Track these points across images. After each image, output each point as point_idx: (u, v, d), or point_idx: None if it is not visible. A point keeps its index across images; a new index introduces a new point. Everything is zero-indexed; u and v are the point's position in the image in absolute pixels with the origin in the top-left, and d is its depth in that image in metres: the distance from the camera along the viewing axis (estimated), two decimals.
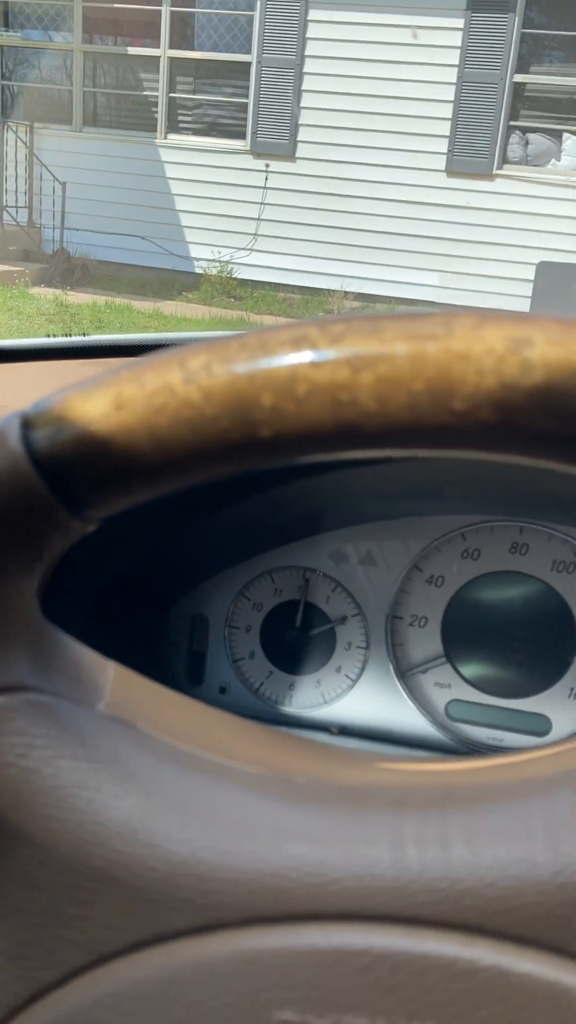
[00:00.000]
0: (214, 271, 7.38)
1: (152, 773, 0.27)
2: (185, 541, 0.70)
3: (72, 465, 0.25)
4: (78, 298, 6.71)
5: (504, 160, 6.90)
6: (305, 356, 0.23)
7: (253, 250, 7.44)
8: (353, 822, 0.26)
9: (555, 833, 0.24)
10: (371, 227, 7.05)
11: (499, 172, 6.87)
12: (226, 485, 0.63)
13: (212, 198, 7.53)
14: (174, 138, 7.68)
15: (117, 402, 0.24)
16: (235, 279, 7.35)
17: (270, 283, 7.31)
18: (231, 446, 0.24)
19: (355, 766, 0.31)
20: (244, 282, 7.34)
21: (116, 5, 7.66)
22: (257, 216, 7.42)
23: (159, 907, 0.25)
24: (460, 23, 6.63)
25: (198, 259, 7.59)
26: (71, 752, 0.27)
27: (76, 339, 0.81)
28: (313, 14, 6.93)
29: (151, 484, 0.25)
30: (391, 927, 0.24)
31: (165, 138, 7.68)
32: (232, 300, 7.17)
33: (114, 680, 0.31)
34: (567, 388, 0.22)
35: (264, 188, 7.38)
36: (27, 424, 0.25)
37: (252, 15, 7.16)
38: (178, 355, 0.25)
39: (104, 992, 0.25)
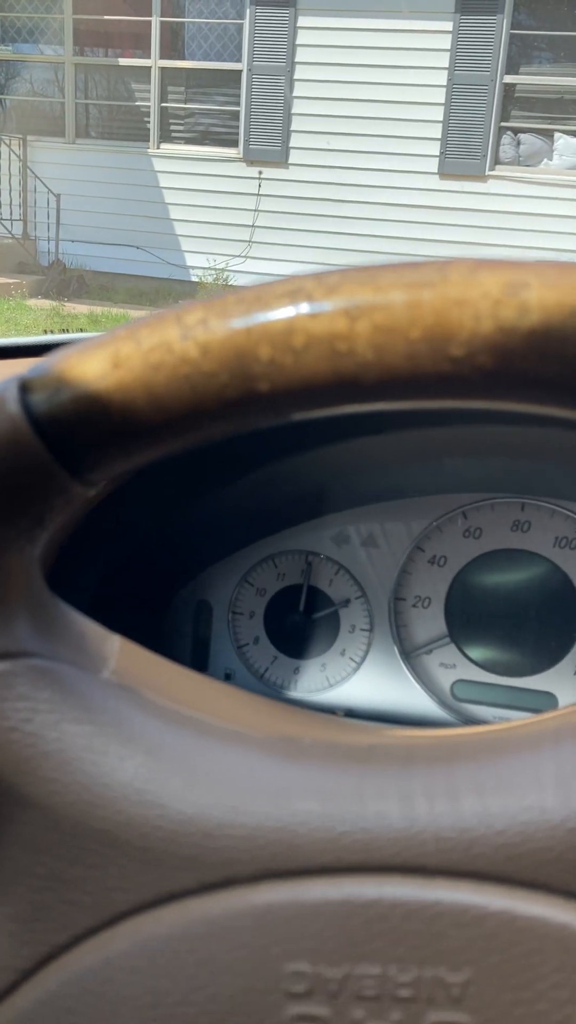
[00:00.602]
0: (210, 279, 7.40)
1: (157, 735, 0.27)
2: (187, 525, 0.70)
3: (71, 426, 0.25)
4: (75, 309, 6.73)
5: (496, 161, 6.92)
6: (302, 307, 0.23)
7: (248, 257, 7.46)
8: (361, 777, 0.26)
9: (565, 780, 0.24)
10: (365, 231, 7.06)
11: (492, 173, 6.89)
12: (226, 461, 0.63)
13: (206, 206, 7.55)
14: (167, 147, 7.70)
15: (114, 361, 0.24)
16: (231, 286, 7.37)
17: None
18: (230, 402, 0.24)
19: (361, 732, 0.31)
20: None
21: (106, 17, 7.69)
22: (252, 223, 7.44)
23: (167, 866, 0.25)
24: (449, 26, 6.66)
25: (194, 267, 7.61)
26: (75, 716, 0.27)
27: (71, 335, 0.82)
28: (302, 21, 6.96)
29: (150, 443, 0.25)
30: (401, 877, 0.24)
31: (158, 148, 7.70)
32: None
33: (119, 651, 0.31)
34: (564, 330, 0.22)
35: (258, 195, 7.40)
36: (25, 387, 0.25)
37: (242, 23, 7.19)
38: (174, 312, 0.25)
39: (114, 952, 0.25)
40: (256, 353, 0.23)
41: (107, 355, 0.25)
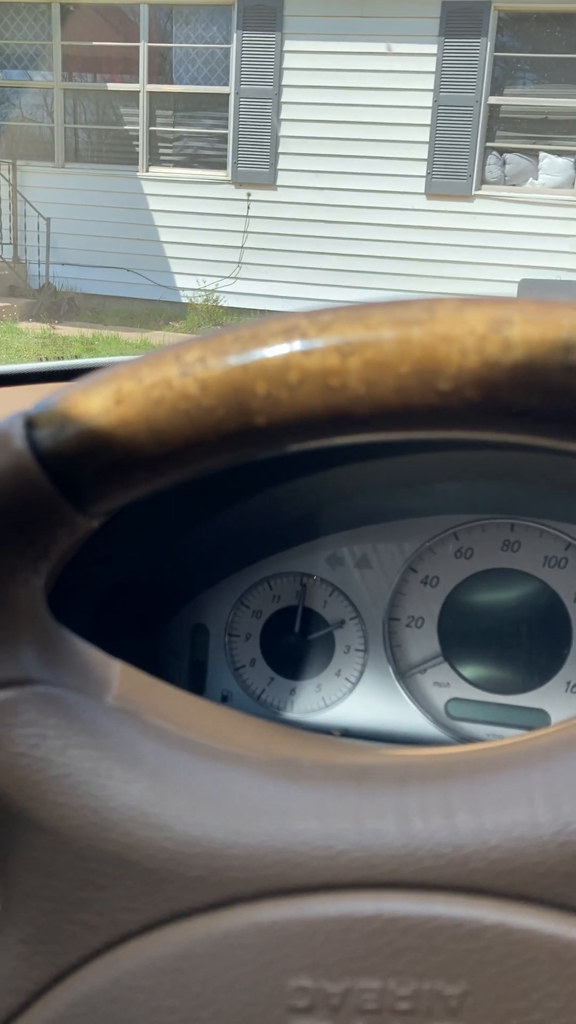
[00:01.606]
0: (200, 300, 7.43)
1: (161, 759, 0.28)
2: (183, 550, 0.70)
3: (75, 460, 0.26)
4: (66, 331, 6.75)
5: (483, 180, 6.98)
6: (296, 345, 0.24)
7: (238, 278, 7.50)
8: (358, 797, 0.26)
9: (555, 795, 0.25)
10: (354, 251, 7.11)
11: (478, 192, 6.95)
12: (221, 488, 0.64)
13: (196, 228, 7.59)
14: (156, 171, 7.75)
15: (116, 397, 0.25)
16: (221, 307, 7.40)
17: (256, 310, 7.35)
18: (228, 435, 0.25)
19: (357, 752, 0.32)
20: (230, 310, 7.39)
21: (94, 43, 7.76)
22: (241, 244, 7.48)
23: (173, 886, 0.26)
24: (434, 49, 6.73)
25: (184, 289, 7.64)
26: (81, 741, 0.27)
27: (66, 362, 0.83)
28: (289, 45, 7.03)
29: (152, 476, 0.26)
30: (399, 893, 0.24)
31: (147, 171, 7.75)
32: (219, 328, 7.21)
33: (121, 676, 0.32)
34: (546, 364, 0.23)
35: (247, 217, 7.45)
36: (30, 423, 0.26)
37: (229, 48, 7.26)
38: (173, 350, 0.26)
39: (122, 971, 0.25)
40: (253, 388, 0.24)
41: (110, 392, 0.25)
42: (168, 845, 0.26)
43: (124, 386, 0.25)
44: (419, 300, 0.25)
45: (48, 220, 7.67)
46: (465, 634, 0.73)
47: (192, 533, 0.68)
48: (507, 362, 0.23)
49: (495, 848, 0.24)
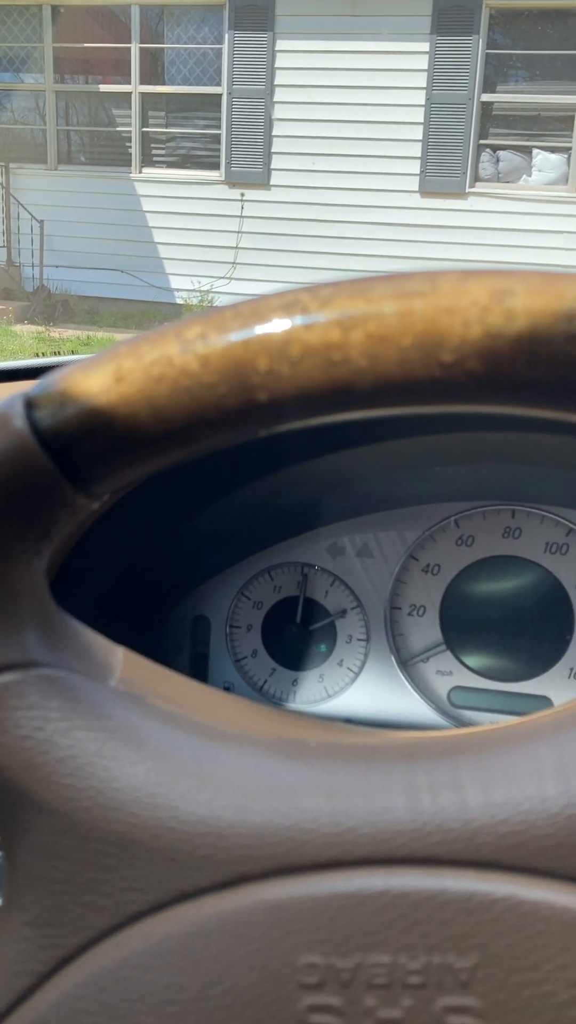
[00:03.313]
0: (195, 301, 7.43)
1: (166, 740, 0.27)
2: (183, 540, 0.70)
3: (76, 439, 0.26)
4: (61, 333, 6.75)
5: (476, 178, 6.99)
6: (297, 319, 0.24)
7: (232, 278, 7.50)
8: (367, 774, 0.26)
9: (564, 768, 0.25)
10: (348, 250, 7.11)
11: (472, 190, 6.96)
12: (221, 474, 0.63)
13: (189, 229, 7.59)
14: (149, 172, 7.75)
15: (117, 375, 0.25)
16: (216, 307, 7.40)
17: None
18: (229, 412, 0.25)
19: (364, 734, 0.32)
20: None
21: (86, 45, 7.76)
22: (235, 245, 7.49)
23: (181, 866, 0.25)
24: (426, 47, 6.74)
25: (178, 289, 7.65)
26: (86, 723, 0.27)
27: (62, 358, 0.83)
28: (281, 44, 7.03)
29: (153, 454, 0.26)
30: (409, 868, 0.24)
31: (140, 172, 7.75)
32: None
33: (124, 661, 0.32)
34: (549, 335, 0.23)
35: (241, 217, 7.45)
36: (30, 404, 0.26)
37: (221, 48, 7.26)
38: (174, 327, 0.26)
39: (130, 951, 0.25)
40: (254, 364, 0.24)
41: (109, 370, 0.25)
42: (175, 825, 0.26)
43: (124, 364, 0.25)
44: (421, 272, 0.24)
45: (42, 223, 7.67)
46: (467, 622, 0.73)
47: (192, 521, 0.68)
48: (510, 333, 0.23)
49: (504, 822, 0.24)
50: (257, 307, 0.25)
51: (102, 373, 0.25)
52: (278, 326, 0.24)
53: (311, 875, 0.25)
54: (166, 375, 0.25)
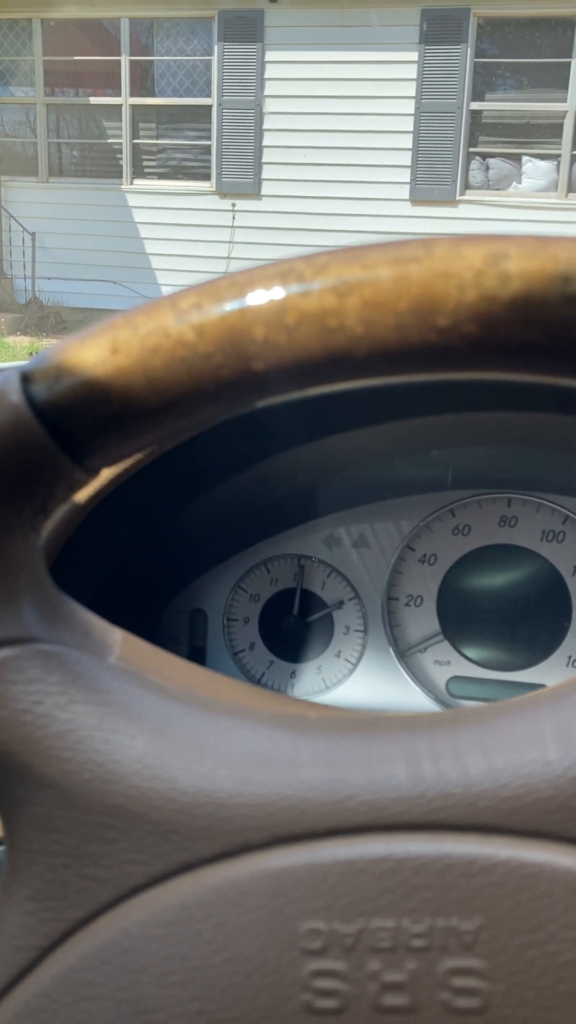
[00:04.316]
0: None
1: (166, 713, 0.27)
2: (179, 533, 0.70)
3: (72, 411, 0.26)
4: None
5: (466, 186, 7.03)
6: (292, 287, 0.24)
7: None
8: (368, 744, 0.26)
9: (566, 733, 0.25)
10: None
11: (462, 198, 6.99)
12: (217, 459, 0.63)
13: (181, 240, 7.62)
14: (140, 183, 7.78)
15: (112, 347, 0.25)
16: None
17: None
18: (226, 382, 0.25)
19: (363, 713, 0.32)
20: None
21: (76, 57, 7.79)
22: (227, 255, 7.51)
23: (181, 837, 0.25)
24: (415, 56, 6.78)
25: None
26: (85, 697, 0.27)
27: None
28: (270, 55, 7.07)
29: (150, 426, 0.26)
30: (410, 834, 0.24)
31: (131, 184, 7.77)
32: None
33: (122, 642, 0.32)
34: (544, 297, 0.23)
35: (232, 227, 7.48)
36: (26, 378, 0.26)
37: (210, 60, 7.30)
38: (169, 298, 0.26)
39: (132, 922, 0.25)
40: (250, 333, 0.24)
41: (105, 342, 0.25)
42: (175, 796, 0.26)
43: (119, 335, 0.25)
44: (416, 240, 0.25)
45: (33, 235, 7.69)
46: (465, 612, 0.73)
47: (187, 513, 0.68)
48: (505, 296, 0.23)
49: (505, 786, 0.24)
50: (252, 276, 0.25)
51: (97, 345, 0.25)
52: (274, 294, 0.24)
53: (312, 843, 0.25)
54: (162, 345, 0.25)
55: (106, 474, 0.54)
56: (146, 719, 0.27)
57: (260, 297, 0.24)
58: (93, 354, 0.25)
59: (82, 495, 0.54)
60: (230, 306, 0.25)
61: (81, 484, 0.28)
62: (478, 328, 0.23)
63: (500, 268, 0.23)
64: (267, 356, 0.24)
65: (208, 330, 0.25)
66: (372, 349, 0.24)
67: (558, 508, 0.71)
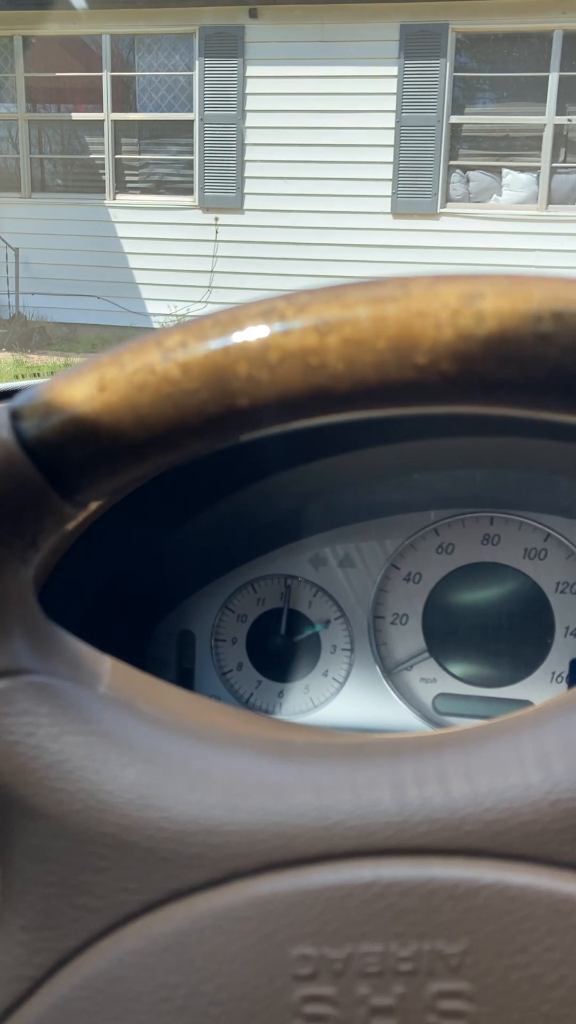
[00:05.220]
0: (171, 325, 7.46)
1: (156, 742, 0.28)
2: (167, 554, 0.71)
3: (61, 448, 0.26)
4: (38, 360, 6.75)
5: (447, 198, 7.07)
6: (275, 326, 0.25)
7: (208, 302, 7.53)
8: (353, 770, 0.27)
9: (546, 757, 0.25)
10: (323, 272, 7.16)
11: (443, 210, 7.04)
12: (203, 484, 0.64)
13: (164, 254, 7.63)
14: (123, 198, 7.79)
15: (100, 384, 0.26)
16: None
17: None
18: (211, 417, 0.26)
19: (350, 736, 0.32)
20: None
21: (58, 74, 7.81)
22: (210, 269, 7.53)
23: (173, 865, 0.26)
24: (394, 70, 6.83)
25: (155, 314, 7.67)
26: (76, 728, 0.27)
27: (41, 380, 0.83)
28: (251, 70, 7.10)
29: (138, 461, 0.27)
30: (397, 858, 0.25)
31: (114, 199, 7.78)
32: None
33: (111, 670, 0.32)
34: (519, 335, 0.24)
35: (215, 241, 7.50)
36: (15, 415, 0.26)
37: (192, 75, 7.33)
38: (154, 337, 0.26)
39: (125, 951, 0.26)
40: (234, 370, 0.25)
41: (93, 379, 0.26)
42: (166, 825, 0.26)
43: (107, 373, 0.26)
44: (393, 278, 0.25)
45: (16, 250, 7.68)
46: (450, 629, 0.73)
47: (175, 535, 0.69)
48: (480, 334, 0.24)
49: (489, 810, 0.25)
50: (235, 315, 0.26)
51: (85, 382, 0.26)
52: (257, 332, 0.25)
53: (301, 869, 0.25)
54: (148, 383, 0.25)
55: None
56: (136, 749, 0.27)
57: (244, 335, 0.25)
58: (81, 391, 0.26)
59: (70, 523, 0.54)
60: (215, 344, 0.25)
61: (71, 518, 0.28)
62: (455, 365, 0.24)
63: (475, 307, 0.24)
64: (251, 392, 0.25)
65: (193, 367, 0.25)
66: (353, 385, 0.25)
67: (540, 527, 0.72)
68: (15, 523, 0.27)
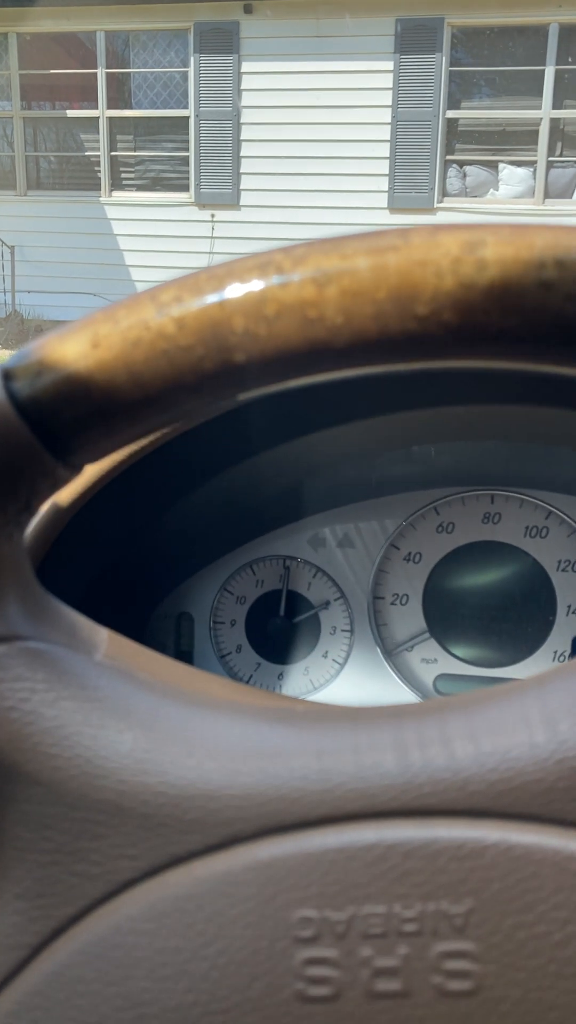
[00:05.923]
0: None
1: (153, 708, 0.27)
2: (165, 534, 0.70)
3: (54, 407, 0.26)
4: None
5: (444, 193, 7.07)
6: (272, 278, 0.24)
7: None
8: (355, 734, 0.26)
9: (551, 717, 0.25)
10: None
11: (440, 205, 7.03)
12: (202, 458, 0.63)
13: (161, 251, 7.63)
14: (119, 195, 7.78)
15: (93, 341, 0.25)
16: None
17: None
18: (207, 374, 0.25)
19: (349, 708, 0.32)
20: None
21: (53, 71, 7.80)
22: (207, 265, 7.52)
23: (172, 831, 0.25)
24: (390, 65, 6.82)
25: None
26: (71, 694, 0.27)
27: None
28: (246, 66, 7.10)
29: (132, 421, 0.26)
30: (400, 820, 0.24)
31: (110, 196, 7.78)
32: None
33: (108, 640, 0.32)
34: (521, 283, 0.23)
35: (211, 237, 7.50)
36: (7, 375, 0.26)
37: (187, 71, 7.32)
38: (149, 292, 0.26)
39: (123, 917, 0.25)
40: (230, 324, 0.24)
41: (86, 336, 0.25)
42: (164, 790, 0.26)
43: (100, 329, 0.25)
44: (394, 229, 0.25)
45: (12, 248, 7.68)
46: (450, 609, 0.73)
47: (173, 513, 0.68)
48: (482, 282, 0.23)
49: (493, 770, 0.24)
50: (232, 268, 0.25)
51: (78, 340, 0.25)
52: (253, 286, 0.24)
53: (302, 832, 0.25)
54: (143, 339, 0.25)
55: (89, 474, 0.54)
56: (133, 714, 0.27)
57: (239, 289, 0.24)
58: (74, 349, 0.25)
59: (66, 497, 0.54)
60: (210, 298, 0.25)
61: (65, 481, 0.28)
62: (457, 315, 0.24)
63: (477, 255, 0.23)
64: (248, 347, 0.25)
65: (188, 322, 0.25)
66: (352, 339, 0.24)
67: (541, 504, 0.71)
68: (8, 485, 0.27)
